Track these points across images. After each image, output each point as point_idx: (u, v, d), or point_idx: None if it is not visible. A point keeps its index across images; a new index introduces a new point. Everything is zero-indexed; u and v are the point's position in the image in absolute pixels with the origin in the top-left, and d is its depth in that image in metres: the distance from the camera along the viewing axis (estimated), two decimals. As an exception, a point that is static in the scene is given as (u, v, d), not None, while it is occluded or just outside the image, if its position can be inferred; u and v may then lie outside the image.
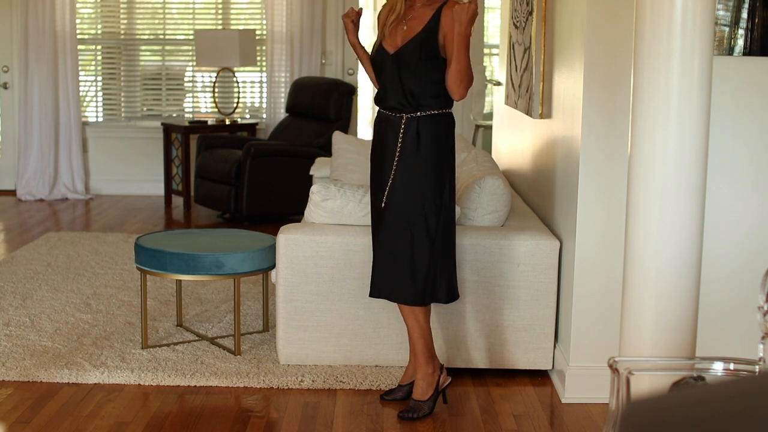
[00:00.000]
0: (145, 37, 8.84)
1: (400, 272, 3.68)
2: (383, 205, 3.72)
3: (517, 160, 5.51)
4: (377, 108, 3.82)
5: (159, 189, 8.53)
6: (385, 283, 3.73)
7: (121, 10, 8.76)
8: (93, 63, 8.96)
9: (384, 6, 3.79)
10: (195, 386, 4.05)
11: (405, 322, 3.79)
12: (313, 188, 4.29)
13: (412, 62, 3.63)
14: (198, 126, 8.17)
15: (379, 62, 3.74)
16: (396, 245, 3.68)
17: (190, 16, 8.81)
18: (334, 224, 4.28)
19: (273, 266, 4.43)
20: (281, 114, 8.56)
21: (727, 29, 3.79)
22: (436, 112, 3.67)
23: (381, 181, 3.75)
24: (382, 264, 3.73)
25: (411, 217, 3.66)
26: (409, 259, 3.67)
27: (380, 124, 3.78)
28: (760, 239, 3.81)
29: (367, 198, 4.12)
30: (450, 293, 3.77)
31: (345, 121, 7.88)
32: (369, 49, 3.88)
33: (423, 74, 3.63)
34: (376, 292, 3.77)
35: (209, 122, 8.31)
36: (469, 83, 3.63)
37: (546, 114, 4.57)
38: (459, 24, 3.54)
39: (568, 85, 4.10)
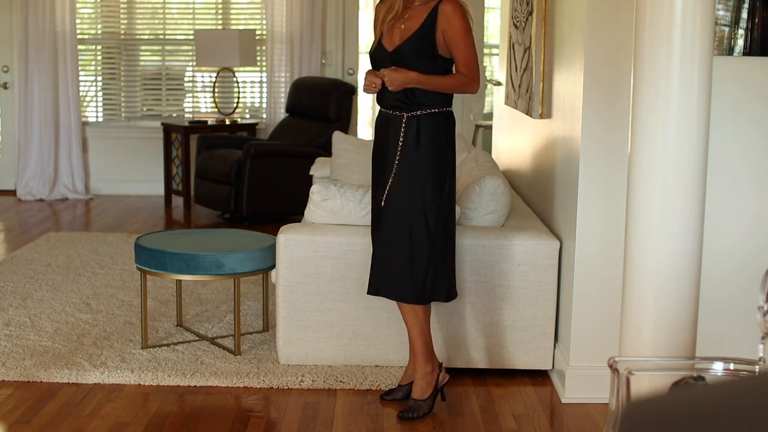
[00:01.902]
0: (145, 37, 8.84)
1: (399, 270, 3.68)
2: (383, 203, 3.72)
3: (517, 160, 5.51)
4: (378, 107, 3.83)
5: (159, 189, 8.53)
6: (384, 281, 3.73)
7: (121, 10, 8.76)
8: (93, 63, 8.96)
9: (381, 2, 3.79)
10: (195, 386, 4.05)
11: (404, 320, 3.79)
12: (313, 188, 4.29)
13: (409, 60, 3.63)
14: (198, 126, 8.17)
15: (378, 60, 3.74)
16: (395, 243, 3.68)
17: (190, 16, 8.81)
18: (334, 224, 4.28)
19: (273, 266, 4.43)
20: (281, 114, 8.56)
21: (727, 29, 3.79)
22: (437, 110, 3.68)
23: (382, 180, 3.75)
24: (381, 262, 3.73)
25: (410, 215, 3.66)
26: (408, 257, 3.67)
27: (381, 123, 3.78)
28: (759, 238, 3.81)
29: (367, 198, 4.12)
30: (450, 292, 3.77)
31: (345, 121, 7.88)
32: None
33: (421, 72, 3.63)
34: (374, 289, 3.77)
35: (209, 122, 8.31)
36: (468, 87, 3.65)
37: (546, 114, 4.57)
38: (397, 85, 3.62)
39: (568, 85, 4.10)
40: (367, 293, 3.81)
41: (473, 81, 3.64)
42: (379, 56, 3.74)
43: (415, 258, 3.67)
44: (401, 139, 3.68)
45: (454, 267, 3.80)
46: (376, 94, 3.81)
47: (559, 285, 4.18)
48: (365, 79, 3.69)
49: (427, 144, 3.66)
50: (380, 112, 3.81)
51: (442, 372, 3.83)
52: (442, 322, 4.17)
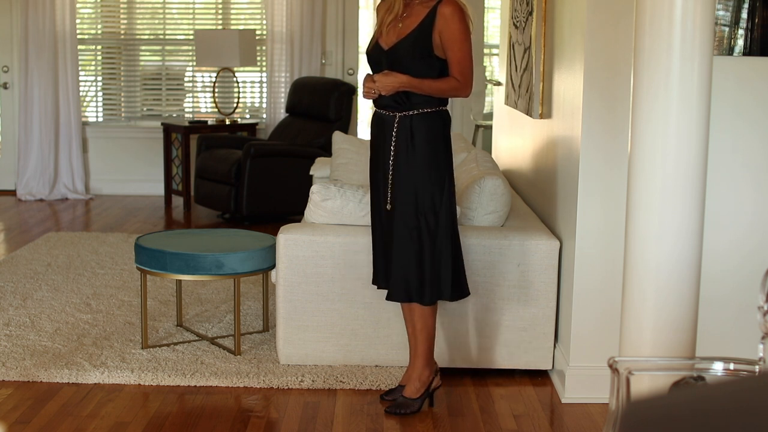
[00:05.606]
0: (145, 37, 8.84)
1: (412, 273, 3.67)
2: (389, 206, 3.71)
3: (517, 160, 5.51)
4: (374, 107, 3.82)
5: (159, 189, 8.53)
6: (398, 285, 3.70)
7: (121, 10, 8.76)
8: (93, 63, 8.96)
9: (382, 2, 3.78)
10: (195, 386, 4.05)
11: (413, 322, 3.76)
12: (313, 188, 4.29)
13: (405, 60, 3.62)
14: (198, 126, 8.17)
15: (374, 59, 3.74)
16: (406, 247, 3.67)
17: (190, 16, 8.81)
18: (334, 224, 4.28)
19: (273, 266, 4.43)
20: (281, 114, 8.56)
21: (727, 29, 3.79)
22: (431, 110, 3.67)
23: (377, 180, 3.76)
24: (398, 268, 3.69)
25: (416, 217, 3.65)
26: (416, 259, 3.66)
27: (375, 123, 3.79)
28: (757, 236, 3.81)
29: (368, 198, 4.12)
30: (456, 291, 3.75)
31: (345, 121, 7.88)
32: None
33: (416, 72, 3.61)
34: (403, 296, 3.72)
35: (209, 122, 8.31)
36: (460, 92, 3.64)
37: (546, 114, 4.57)
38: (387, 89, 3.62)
39: (568, 85, 4.10)
40: (388, 299, 3.77)
41: (465, 86, 3.63)
42: (375, 55, 3.73)
43: (424, 259, 3.66)
44: (393, 139, 3.67)
45: (462, 265, 3.79)
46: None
47: (558, 285, 4.18)
48: (363, 85, 3.69)
49: (423, 145, 3.65)
50: (375, 112, 3.80)
51: (437, 377, 3.84)
52: (443, 322, 4.17)
